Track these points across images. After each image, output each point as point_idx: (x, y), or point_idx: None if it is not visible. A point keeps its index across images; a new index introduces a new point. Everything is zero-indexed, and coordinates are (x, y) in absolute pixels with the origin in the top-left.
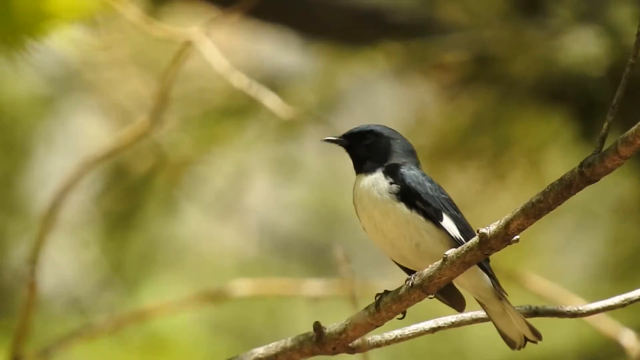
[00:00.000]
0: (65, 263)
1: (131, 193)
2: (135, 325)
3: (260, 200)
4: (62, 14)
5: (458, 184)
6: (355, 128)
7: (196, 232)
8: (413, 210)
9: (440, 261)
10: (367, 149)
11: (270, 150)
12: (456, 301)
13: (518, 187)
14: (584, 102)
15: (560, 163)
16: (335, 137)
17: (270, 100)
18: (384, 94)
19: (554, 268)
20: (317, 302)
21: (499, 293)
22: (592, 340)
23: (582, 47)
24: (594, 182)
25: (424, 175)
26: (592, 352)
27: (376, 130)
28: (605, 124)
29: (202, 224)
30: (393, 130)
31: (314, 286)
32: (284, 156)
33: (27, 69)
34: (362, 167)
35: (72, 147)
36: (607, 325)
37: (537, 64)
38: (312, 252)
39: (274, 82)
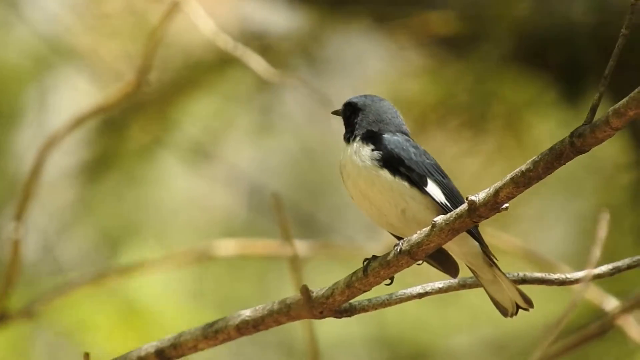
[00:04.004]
0: (49, 227)
1: (115, 155)
2: (117, 287)
3: (247, 162)
4: None
5: (439, 140)
6: (352, 98)
7: (183, 194)
8: (397, 177)
9: (428, 227)
10: (352, 118)
11: (256, 107)
12: (449, 267)
13: (499, 144)
14: (568, 64)
15: (542, 124)
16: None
17: (255, 62)
18: (370, 51)
19: (539, 236)
20: (302, 263)
21: (489, 260)
22: (580, 309)
23: (567, 8)
24: (584, 152)
25: (407, 140)
26: (581, 322)
27: (353, 102)
28: (597, 95)
29: (189, 187)
30: (380, 98)
31: (298, 247)
32: (268, 113)
33: (19, 28)
34: (347, 136)
35: (64, 107)
36: (593, 294)
37: (522, 25)
38: (301, 215)
39: (261, 41)
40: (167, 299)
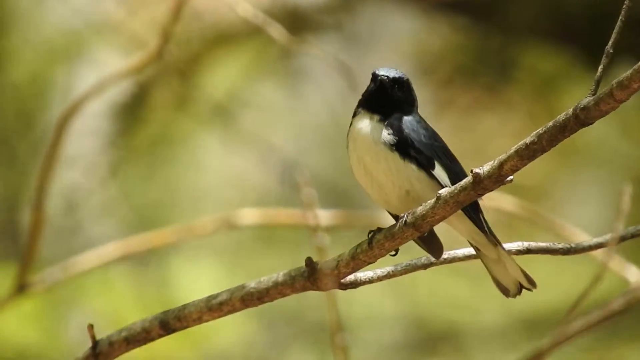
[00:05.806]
0: (82, 205)
1: (148, 132)
2: (145, 262)
3: (281, 140)
4: None
5: (465, 105)
6: (397, 73)
7: (216, 172)
8: (406, 159)
9: (433, 200)
10: (387, 92)
11: (289, 83)
12: (434, 248)
13: (529, 114)
14: (593, 34)
15: (573, 95)
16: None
17: (277, 31)
18: (397, 18)
19: (574, 210)
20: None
21: (494, 239)
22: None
23: None
24: (588, 125)
25: (419, 122)
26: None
27: (404, 78)
28: (600, 68)
29: (223, 165)
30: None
31: (322, 216)
32: (301, 89)
33: (53, 3)
34: (369, 107)
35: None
36: (617, 265)
37: None
38: (335, 192)
39: (294, 14)
40: (196, 277)
